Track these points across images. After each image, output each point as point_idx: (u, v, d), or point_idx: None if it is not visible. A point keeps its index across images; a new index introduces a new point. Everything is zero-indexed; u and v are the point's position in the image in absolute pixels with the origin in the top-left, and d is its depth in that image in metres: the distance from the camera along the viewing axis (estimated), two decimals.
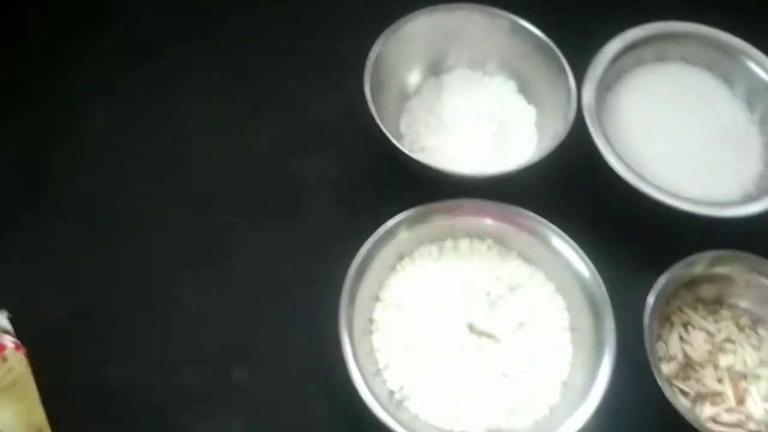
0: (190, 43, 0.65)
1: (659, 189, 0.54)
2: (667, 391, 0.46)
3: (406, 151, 0.53)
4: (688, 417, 0.46)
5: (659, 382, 0.46)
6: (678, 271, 0.50)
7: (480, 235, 0.55)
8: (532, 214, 0.53)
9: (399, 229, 0.52)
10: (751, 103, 0.61)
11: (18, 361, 0.41)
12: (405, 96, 0.61)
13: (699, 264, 0.51)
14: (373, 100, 0.55)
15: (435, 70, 0.62)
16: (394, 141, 0.53)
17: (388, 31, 0.58)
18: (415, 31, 0.59)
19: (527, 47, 0.59)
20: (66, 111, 0.61)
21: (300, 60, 0.64)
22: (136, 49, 0.64)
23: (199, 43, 0.65)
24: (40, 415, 0.43)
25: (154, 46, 0.65)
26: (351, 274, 0.50)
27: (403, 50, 0.59)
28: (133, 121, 0.61)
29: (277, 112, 0.62)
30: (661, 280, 0.50)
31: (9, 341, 0.40)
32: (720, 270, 0.52)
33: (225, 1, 0.68)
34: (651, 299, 0.49)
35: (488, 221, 0.54)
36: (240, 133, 0.61)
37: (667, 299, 0.51)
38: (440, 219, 0.54)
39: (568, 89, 0.56)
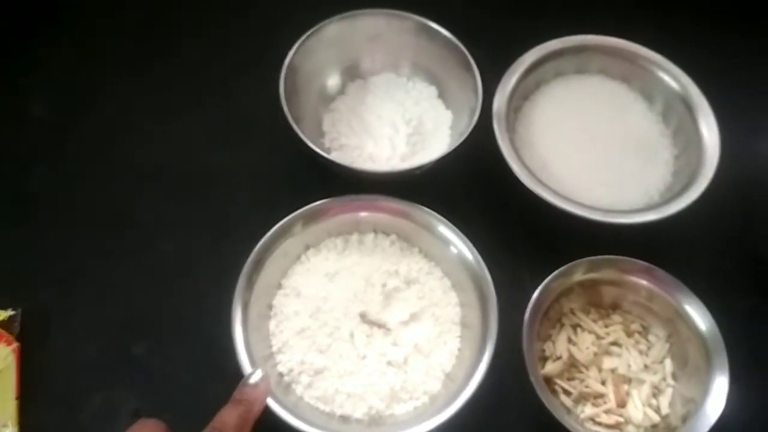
0: (126, 36, 0.69)
1: (558, 195, 0.55)
2: (540, 389, 0.48)
3: (313, 147, 0.55)
4: (558, 415, 0.47)
5: (532, 380, 0.48)
6: (557, 276, 0.52)
7: (385, 231, 0.57)
8: (435, 214, 0.55)
9: (303, 221, 0.54)
10: (666, 115, 0.62)
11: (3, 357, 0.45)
12: (328, 96, 0.64)
13: (577, 270, 0.53)
14: (292, 100, 0.58)
15: (358, 72, 0.65)
16: (303, 137, 0.55)
17: (306, 35, 0.60)
18: (334, 35, 0.62)
19: (444, 53, 0.62)
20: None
21: (230, 57, 0.68)
22: (72, 41, 0.69)
23: (134, 37, 0.69)
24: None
25: (89, 37, 0.69)
26: (250, 261, 0.52)
27: (322, 53, 0.62)
28: (65, 110, 0.65)
29: (205, 105, 0.65)
30: (543, 284, 0.52)
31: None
32: (594, 275, 0.53)
33: None
34: (531, 301, 0.51)
35: (394, 218, 0.56)
36: (166, 124, 0.64)
37: (557, 301, 0.53)
38: (347, 213, 0.56)
39: (478, 94, 0.58)
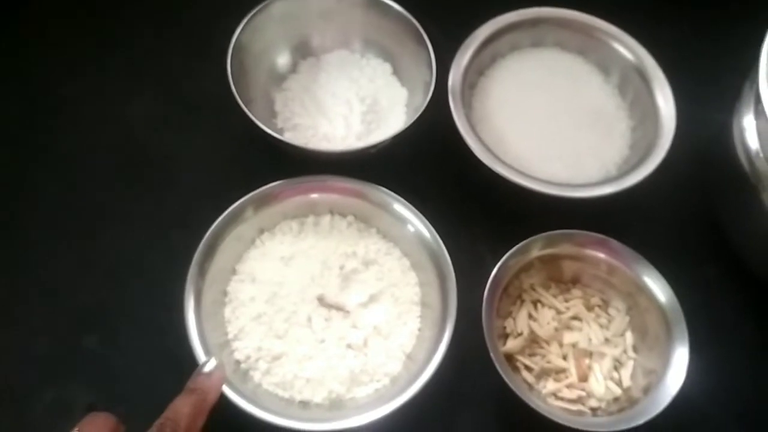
0: (62, 16, 0.66)
1: (515, 170, 0.54)
2: (500, 366, 0.47)
3: (264, 128, 0.54)
4: (520, 392, 0.47)
5: (492, 357, 0.48)
6: (514, 253, 0.51)
7: (342, 212, 0.56)
8: (391, 193, 0.54)
9: (254, 205, 0.53)
10: (622, 88, 0.62)
11: None
12: (279, 75, 0.62)
13: (534, 246, 0.52)
14: (241, 81, 0.56)
15: (309, 50, 0.63)
16: (253, 118, 0.54)
17: (253, 12, 0.58)
18: (283, 12, 0.60)
19: (396, 29, 0.60)
20: None
21: (179, 36, 0.65)
22: (5, 25, 0.66)
23: (78, 14, 0.66)
24: None
25: (30, 15, 0.66)
26: (201, 248, 0.51)
27: (270, 31, 0.60)
28: (5, 90, 0.62)
29: (150, 89, 0.62)
30: (500, 262, 0.51)
31: None
32: (552, 250, 0.53)
33: None
34: (489, 279, 0.50)
35: (350, 198, 0.55)
36: (114, 104, 0.62)
37: (516, 277, 0.53)
38: (302, 195, 0.55)
39: (431, 71, 0.57)
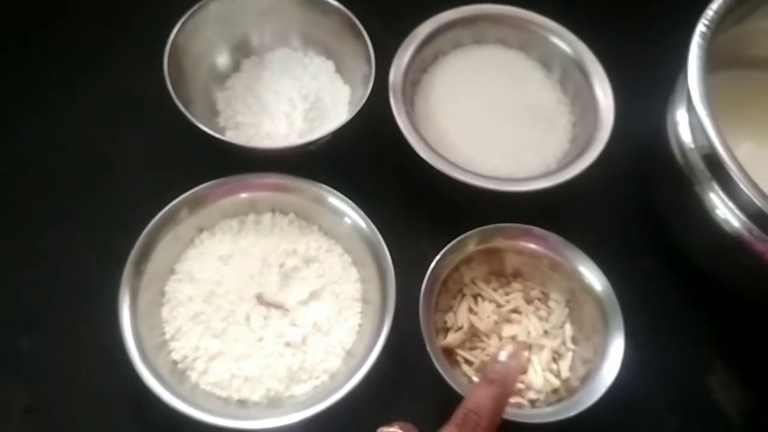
0: (5, 16, 0.66)
1: (455, 166, 0.55)
2: (437, 360, 0.48)
3: (202, 127, 0.53)
4: (457, 386, 0.47)
5: (429, 352, 0.48)
6: (450, 250, 0.52)
7: (283, 210, 0.56)
8: (330, 189, 0.54)
9: (188, 205, 0.53)
10: (563, 83, 0.63)
11: None
12: (221, 74, 0.62)
13: (470, 241, 0.53)
14: (180, 81, 0.56)
15: (250, 49, 0.63)
16: (190, 117, 0.53)
17: (190, 12, 0.58)
18: (221, 11, 0.60)
19: (336, 26, 0.60)
20: None
21: (120, 35, 0.65)
22: None
23: (15, 13, 0.66)
24: None
25: None
26: (136, 249, 0.50)
27: (209, 30, 0.60)
28: None
29: (87, 88, 0.62)
30: (437, 258, 0.51)
31: None
32: (488, 245, 0.53)
33: None
34: (427, 274, 0.50)
35: (290, 196, 0.55)
36: (54, 104, 0.61)
37: (457, 270, 0.53)
38: (241, 193, 0.54)
39: (371, 67, 0.57)
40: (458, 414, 0.39)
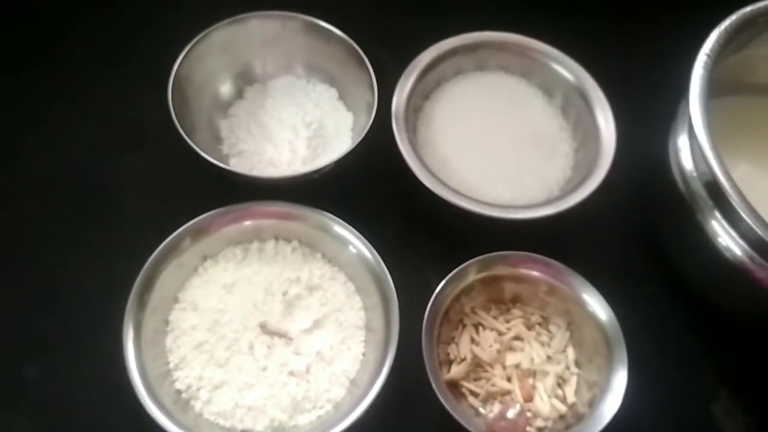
0: (12, 41, 0.66)
1: (458, 193, 0.55)
2: (442, 395, 0.48)
3: (205, 156, 0.54)
4: (462, 420, 0.47)
5: (434, 387, 0.48)
6: (450, 280, 0.52)
7: (286, 237, 0.56)
8: (333, 217, 0.54)
9: (191, 235, 0.53)
10: (565, 109, 0.63)
11: None
12: (224, 102, 0.62)
13: (470, 270, 0.53)
14: (184, 109, 0.57)
15: (254, 77, 0.63)
16: (194, 146, 0.54)
17: (194, 41, 0.58)
18: (225, 40, 0.60)
19: (340, 54, 0.61)
20: None
21: (124, 63, 0.65)
22: None
23: (20, 41, 0.67)
24: None
25: None
26: (140, 279, 0.51)
27: (213, 59, 0.60)
28: None
29: (93, 116, 0.63)
30: (437, 290, 0.51)
31: None
32: (489, 273, 0.53)
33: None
34: (428, 308, 0.50)
35: (293, 223, 0.55)
36: (58, 131, 0.62)
37: (457, 300, 0.53)
38: (244, 221, 0.55)
39: (374, 95, 0.57)
40: None
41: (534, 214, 0.55)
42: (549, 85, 0.64)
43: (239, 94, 0.63)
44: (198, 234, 0.53)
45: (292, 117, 0.61)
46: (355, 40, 0.60)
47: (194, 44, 0.58)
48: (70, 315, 0.54)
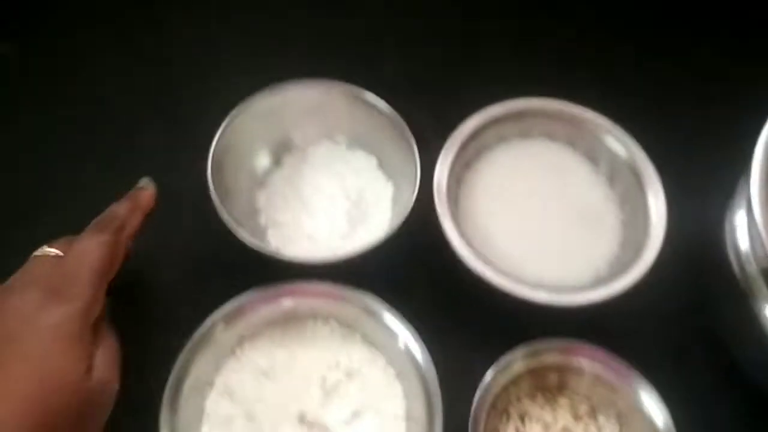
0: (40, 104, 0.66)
1: (503, 273, 0.53)
2: None
3: (245, 238, 0.52)
4: None
5: None
6: (498, 369, 0.50)
7: (324, 317, 0.54)
8: (375, 298, 0.53)
9: (224, 321, 0.51)
10: (612, 179, 0.61)
11: None
12: (263, 170, 0.61)
13: (517, 359, 0.51)
14: (222, 181, 0.55)
15: (294, 144, 0.62)
16: (231, 223, 0.53)
17: (236, 110, 0.57)
18: (266, 109, 0.59)
19: (381, 123, 0.59)
20: None
21: (160, 128, 0.64)
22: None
23: (54, 107, 0.66)
24: None
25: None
26: (179, 364, 0.49)
27: (252, 129, 0.59)
28: None
29: (130, 177, 0.61)
30: (486, 377, 0.49)
31: None
32: (537, 361, 0.51)
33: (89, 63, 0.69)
34: (474, 402, 0.48)
35: (332, 303, 0.53)
36: (91, 191, 0.60)
37: (504, 389, 0.51)
38: (280, 301, 0.53)
39: (416, 167, 0.56)
40: (95, 220, 0.50)
41: (583, 298, 0.53)
42: (595, 154, 0.61)
43: (277, 162, 0.61)
44: (234, 316, 0.52)
45: (330, 186, 0.59)
46: (394, 106, 0.58)
47: (234, 114, 0.57)
48: None
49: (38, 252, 0.48)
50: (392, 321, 0.52)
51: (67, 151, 0.64)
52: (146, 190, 0.53)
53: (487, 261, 0.54)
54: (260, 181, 0.60)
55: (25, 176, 0.63)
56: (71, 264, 0.45)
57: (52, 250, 0.48)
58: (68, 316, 0.43)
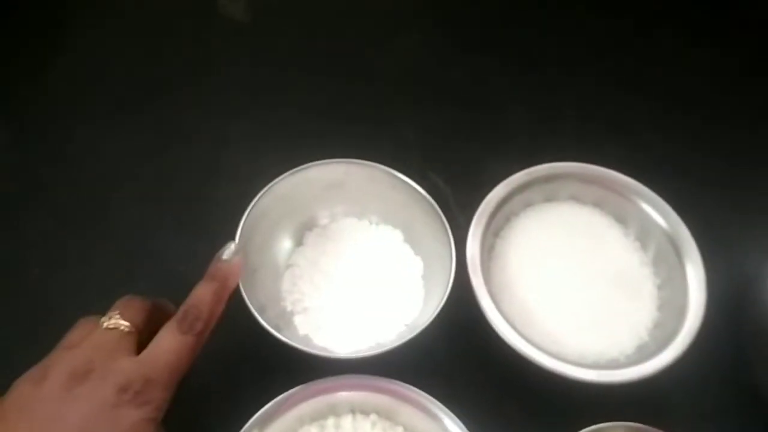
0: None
1: (543, 351, 0.51)
2: None
3: (280, 337, 0.49)
4: None
5: None
6: None
7: (364, 411, 0.52)
8: (412, 388, 0.50)
9: (265, 417, 0.49)
10: (643, 241, 0.59)
11: None
12: (287, 251, 0.59)
13: None
14: (246, 265, 0.52)
15: (316, 221, 0.60)
16: (263, 322, 0.50)
17: (258, 197, 0.54)
18: (289, 191, 0.57)
19: (408, 200, 0.57)
20: None
21: (174, 217, 0.62)
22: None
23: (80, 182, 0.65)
24: None
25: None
26: None
27: (276, 212, 0.57)
28: None
29: (145, 269, 0.59)
30: None
31: None
32: None
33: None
34: None
35: (371, 395, 0.51)
36: (107, 286, 0.57)
37: None
38: (318, 397, 0.50)
39: (449, 245, 0.54)
40: (181, 309, 0.44)
41: (634, 373, 0.50)
42: (624, 216, 0.60)
43: (299, 240, 0.59)
44: (270, 415, 0.49)
45: (357, 264, 0.57)
46: (418, 182, 0.57)
47: (256, 202, 0.54)
48: None
49: (110, 323, 0.43)
50: (434, 409, 0.49)
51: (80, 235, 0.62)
52: (232, 262, 0.47)
53: (528, 339, 0.52)
54: (284, 263, 0.58)
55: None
56: (152, 364, 0.42)
57: (124, 323, 0.43)
58: (146, 420, 0.41)
